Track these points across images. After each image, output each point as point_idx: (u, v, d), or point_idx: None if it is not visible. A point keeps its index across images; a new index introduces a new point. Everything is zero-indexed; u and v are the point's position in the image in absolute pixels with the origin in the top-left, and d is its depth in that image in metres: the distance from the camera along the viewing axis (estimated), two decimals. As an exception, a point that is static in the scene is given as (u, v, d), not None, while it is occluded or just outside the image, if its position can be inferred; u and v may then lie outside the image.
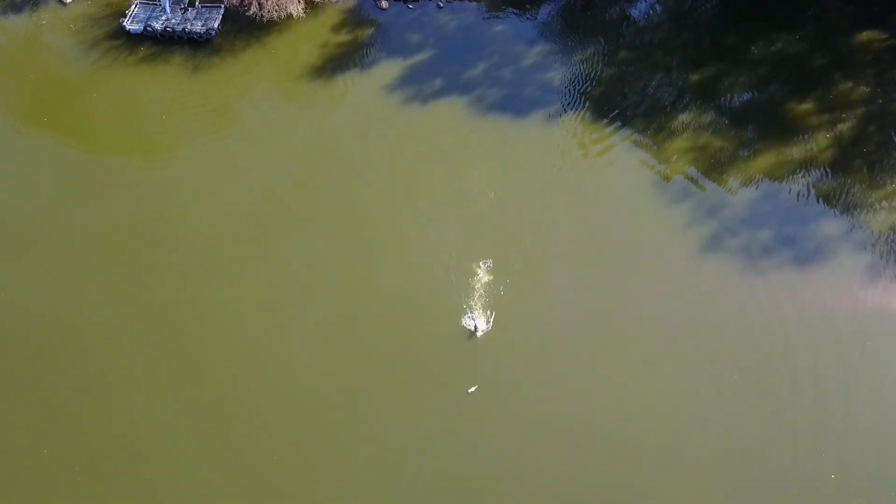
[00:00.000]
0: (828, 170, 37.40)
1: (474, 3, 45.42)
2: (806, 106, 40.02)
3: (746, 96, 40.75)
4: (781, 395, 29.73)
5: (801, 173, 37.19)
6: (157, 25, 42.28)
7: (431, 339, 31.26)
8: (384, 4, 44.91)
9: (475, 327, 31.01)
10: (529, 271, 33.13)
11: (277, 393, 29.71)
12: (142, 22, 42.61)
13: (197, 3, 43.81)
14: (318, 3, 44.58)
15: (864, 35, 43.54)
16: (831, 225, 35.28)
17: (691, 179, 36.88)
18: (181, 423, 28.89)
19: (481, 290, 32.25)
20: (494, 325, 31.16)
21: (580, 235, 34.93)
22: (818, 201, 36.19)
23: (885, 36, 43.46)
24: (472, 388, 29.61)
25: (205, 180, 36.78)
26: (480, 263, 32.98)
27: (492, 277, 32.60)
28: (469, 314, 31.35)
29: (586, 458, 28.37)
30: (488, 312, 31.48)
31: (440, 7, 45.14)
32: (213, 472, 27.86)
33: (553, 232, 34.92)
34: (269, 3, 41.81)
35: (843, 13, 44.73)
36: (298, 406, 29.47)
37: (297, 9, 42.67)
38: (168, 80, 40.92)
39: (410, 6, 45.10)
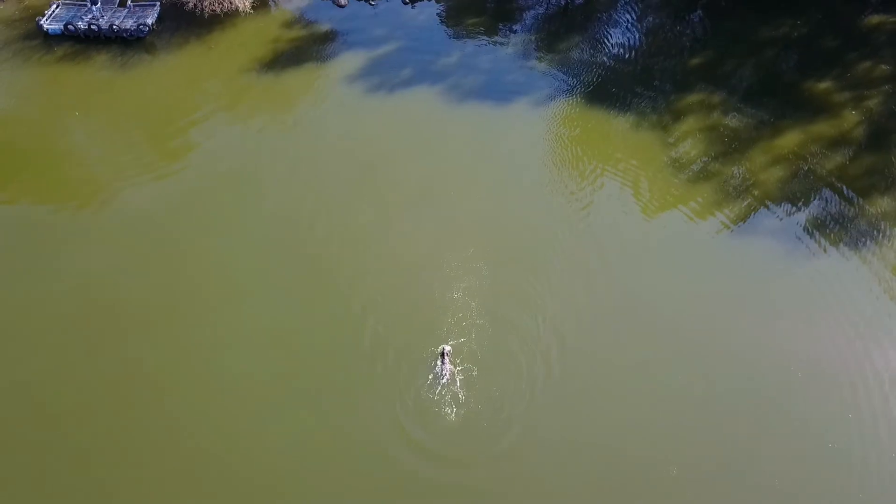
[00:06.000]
0: (862, 146, 32.06)
1: (445, 1, 40.91)
2: (825, 85, 35.16)
3: (756, 77, 35.87)
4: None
5: (834, 150, 31.72)
6: (81, 24, 36.62)
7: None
8: (343, 1, 40.12)
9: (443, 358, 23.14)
10: (522, 282, 26.20)
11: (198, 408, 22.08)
12: (62, 21, 36.96)
13: (129, 2, 38.50)
14: (267, -1, 39.79)
15: (874, 19, 39.62)
16: (879, 202, 29.57)
17: (710, 159, 31.17)
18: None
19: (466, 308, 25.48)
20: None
21: (579, 236, 28.12)
22: (858, 178, 30.63)
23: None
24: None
25: (126, 175, 30.09)
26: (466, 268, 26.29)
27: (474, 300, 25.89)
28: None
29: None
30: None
31: (406, 3, 40.46)
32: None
33: (547, 234, 28.21)
34: (211, -7, 36.66)
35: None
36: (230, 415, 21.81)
37: (243, 3, 37.57)
38: (88, 78, 34.86)
39: (373, 3, 40.34)
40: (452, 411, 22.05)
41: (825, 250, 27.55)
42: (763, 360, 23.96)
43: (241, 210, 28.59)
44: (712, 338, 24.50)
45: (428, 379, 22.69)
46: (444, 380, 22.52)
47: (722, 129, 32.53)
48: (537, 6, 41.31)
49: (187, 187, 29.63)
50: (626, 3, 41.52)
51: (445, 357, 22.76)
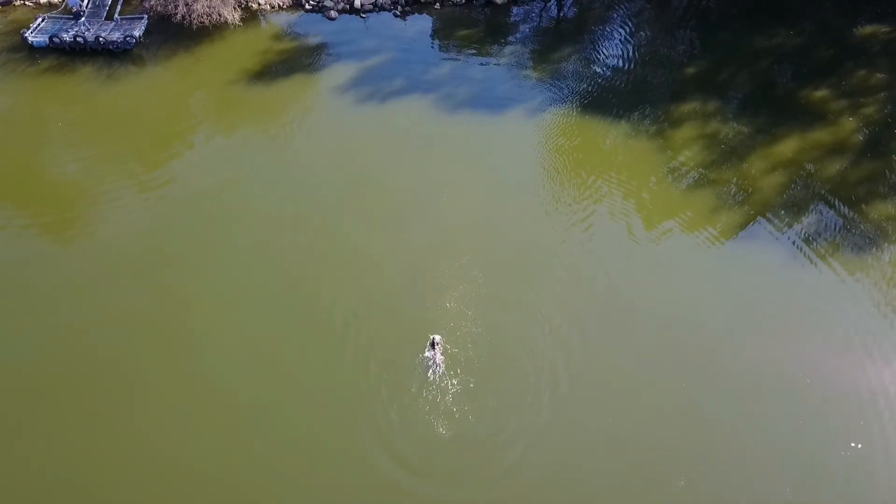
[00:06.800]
0: (862, 152, 31.60)
1: (437, 15, 40.55)
2: (822, 93, 34.83)
3: (752, 86, 35.51)
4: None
5: (833, 157, 31.27)
6: (67, 37, 35.99)
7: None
8: (333, 14, 39.70)
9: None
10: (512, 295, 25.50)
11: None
12: (47, 34, 36.33)
13: (116, 15, 37.99)
14: (256, 10, 39.31)
15: (868, 29, 39.55)
16: (880, 210, 29.00)
17: (708, 167, 30.59)
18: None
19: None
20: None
21: (576, 246, 27.21)
22: (860, 183, 30.12)
23: (888, 29, 39.52)
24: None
25: (108, 189, 29.19)
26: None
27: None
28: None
29: None
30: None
31: (397, 16, 40.12)
32: None
33: (544, 243, 27.32)
34: (200, 6, 36.13)
35: (838, 11, 40.98)
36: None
37: (232, 16, 37.09)
38: (72, 89, 34.14)
39: (363, 16, 39.96)
40: (446, 429, 20.97)
41: (828, 261, 26.81)
42: (771, 371, 23.12)
43: (227, 225, 27.63)
44: (717, 349, 23.71)
45: (421, 393, 21.72)
46: (436, 368, 21.95)
47: (719, 138, 32.05)
48: (529, 20, 41.04)
49: (172, 201, 28.71)
50: (618, 16, 41.33)
51: (436, 346, 22.32)
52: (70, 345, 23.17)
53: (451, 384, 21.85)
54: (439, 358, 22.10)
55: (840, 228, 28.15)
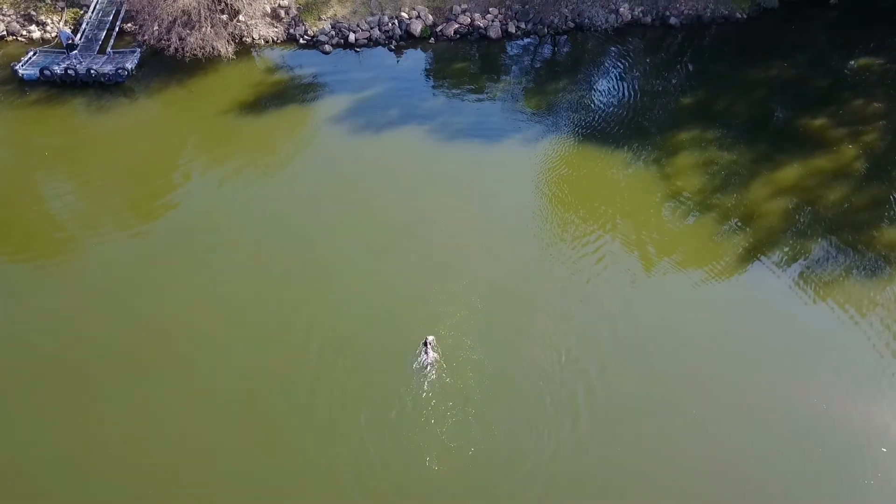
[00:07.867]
0: (864, 179, 31.20)
1: (431, 49, 40.44)
2: (820, 121, 34.66)
3: (749, 115, 35.26)
4: None
5: (835, 184, 30.83)
6: (58, 69, 35.58)
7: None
8: (328, 49, 39.53)
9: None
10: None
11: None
12: (38, 66, 35.92)
13: (109, 49, 37.69)
14: (250, 45, 39.10)
15: (862, 61, 39.72)
16: (888, 232, 28.38)
17: (709, 194, 30.01)
18: None
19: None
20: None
21: (573, 276, 26.34)
22: (864, 210, 29.55)
23: (882, 61, 39.69)
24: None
25: (102, 219, 28.30)
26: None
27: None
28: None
29: None
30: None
31: (391, 51, 40.00)
32: None
33: (540, 272, 26.50)
34: (193, 39, 35.87)
35: (832, 45, 41.17)
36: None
37: (226, 49, 36.76)
38: (61, 121, 33.58)
39: (358, 49, 39.82)
40: (437, 462, 19.77)
41: (833, 291, 26.12)
42: (781, 402, 22.11)
43: (219, 254, 26.71)
44: (731, 386, 22.72)
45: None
46: (429, 369, 21.72)
47: (719, 166, 31.62)
48: (524, 55, 40.99)
49: (161, 232, 27.90)
50: (612, 52, 41.24)
51: (429, 346, 22.05)
52: (64, 363, 22.23)
53: (448, 417, 20.71)
54: (432, 357, 21.83)
55: (845, 257, 27.43)
